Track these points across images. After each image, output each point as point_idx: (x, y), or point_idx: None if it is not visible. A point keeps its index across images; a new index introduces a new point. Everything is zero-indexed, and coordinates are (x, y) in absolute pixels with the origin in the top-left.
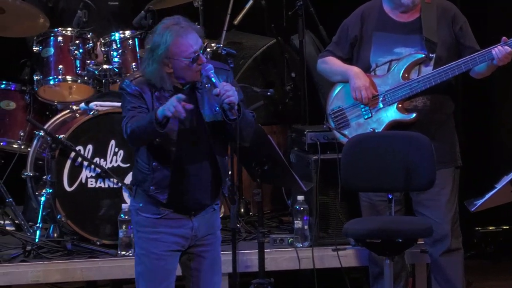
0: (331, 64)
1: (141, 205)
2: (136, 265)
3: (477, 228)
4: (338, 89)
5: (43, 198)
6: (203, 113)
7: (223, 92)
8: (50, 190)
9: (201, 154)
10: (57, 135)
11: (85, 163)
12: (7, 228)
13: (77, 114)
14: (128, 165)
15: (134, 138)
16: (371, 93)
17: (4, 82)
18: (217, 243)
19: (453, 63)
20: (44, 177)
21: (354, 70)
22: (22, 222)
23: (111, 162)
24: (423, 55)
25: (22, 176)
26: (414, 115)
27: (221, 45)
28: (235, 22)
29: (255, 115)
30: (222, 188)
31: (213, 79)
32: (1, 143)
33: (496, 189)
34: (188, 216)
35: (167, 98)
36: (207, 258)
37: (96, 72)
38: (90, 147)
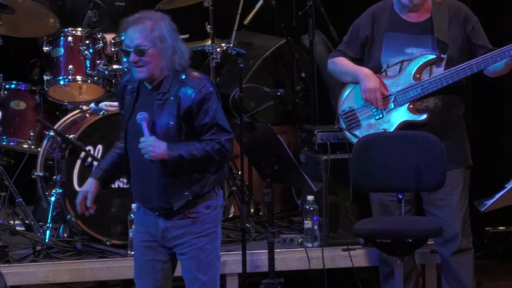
0: (342, 64)
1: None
2: None
3: (487, 228)
4: (349, 89)
5: (53, 198)
6: (156, 122)
7: (141, 149)
8: (60, 190)
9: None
10: (67, 135)
11: (95, 163)
12: (17, 228)
13: (87, 114)
14: None
15: None
16: (381, 95)
17: (14, 82)
18: (193, 252)
19: (465, 63)
20: (54, 177)
21: (365, 72)
22: (32, 222)
23: None
24: (435, 56)
25: (32, 176)
26: (425, 115)
27: (231, 45)
28: (245, 22)
29: (218, 145)
30: (170, 200)
31: (142, 128)
32: (11, 143)
33: (506, 189)
34: (154, 214)
35: (129, 94)
36: (185, 266)
37: (106, 72)
38: (100, 147)
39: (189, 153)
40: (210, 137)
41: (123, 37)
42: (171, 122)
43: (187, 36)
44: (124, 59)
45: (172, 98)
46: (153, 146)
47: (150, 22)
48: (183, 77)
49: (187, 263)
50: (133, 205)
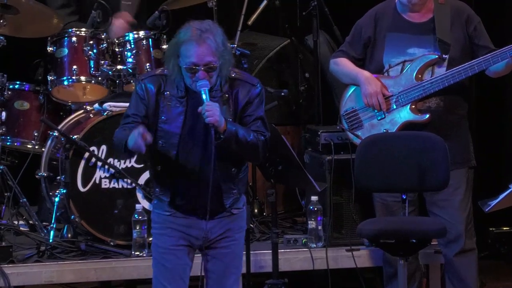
0: (343, 66)
1: (155, 202)
2: (152, 257)
3: (491, 229)
4: (351, 90)
5: (57, 199)
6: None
7: (203, 112)
8: (64, 191)
9: (202, 160)
10: (71, 136)
11: (99, 163)
12: (21, 228)
13: (91, 115)
14: (142, 165)
15: (115, 148)
16: (383, 99)
17: (18, 82)
18: (233, 246)
19: (467, 64)
20: (58, 177)
21: (365, 75)
22: (36, 223)
23: (125, 163)
24: (437, 56)
25: (36, 177)
26: (427, 116)
27: (235, 45)
28: (249, 23)
29: (263, 138)
30: (223, 198)
31: (203, 96)
32: (15, 143)
33: (510, 189)
34: (198, 217)
35: (174, 100)
36: (222, 260)
37: (110, 72)
38: (104, 147)
39: (243, 134)
40: (257, 128)
41: (128, 37)
42: (229, 118)
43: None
44: (184, 74)
45: (227, 95)
46: (216, 110)
47: (212, 36)
48: (234, 75)
49: (225, 258)
50: (138, 206)
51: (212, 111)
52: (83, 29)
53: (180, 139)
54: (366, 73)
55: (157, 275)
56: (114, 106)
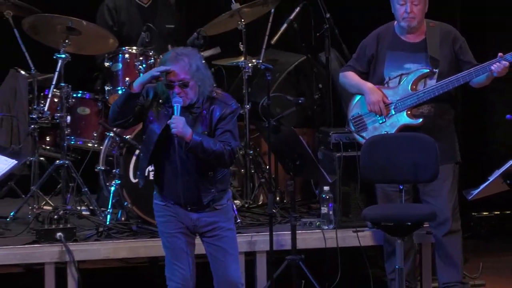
0: (350, 78)
1: (155, 193)
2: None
3: (473, 213)
4: (357, 99)
5: (112, 188)
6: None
7: (170, 124)
8: (119, 181)
9: (184, 162)
10: (124, 136)
11: None
12: (83, 213)
13: None
14: None
15: (111, 113)
16: (383, 106)
17: (80, 92)
18: (225, 233)
19: (453, 77)
20: (114, 170)
21: (368, 86)
22: (96, 208)
23: None
24: (428, 70)
25: (95, 170)
26: (421, 120)
27: (260, 61)
28: (272, 42)
29: (229, 147)
30: (201, 197)
31: (175, 110)
32: (78, 142)
33: (489, 181)
34: (185, 209)
35: (163, 107)
36: (218, 245)
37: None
38: None
39: (208, 144)
40: (225, 139)
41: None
42: (205, 132)
43: (218, 48)
44: (162, 89)
45: (205, 111)
46: (183, 124)
47: (187, 58)
48: (214, 95)
49: (219, 242)
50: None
51: (176, 123)
52: (134, 48)
53: (159, 139)
54: (369, 85)
55: (167, 255)
56: None
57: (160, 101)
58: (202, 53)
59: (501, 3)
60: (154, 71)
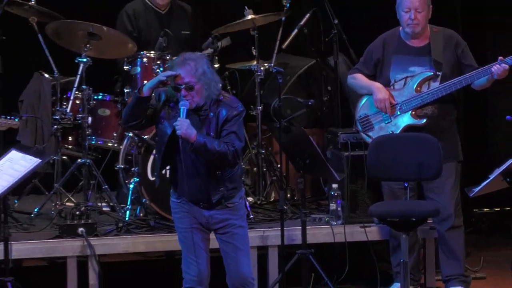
0: (359, 80)
1: (171, 190)
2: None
3: (474, 210)
4: (364, 100)
5: (131, 185)
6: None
7: (176, 125)
8: (137, 179)
9: (194, 162)
10: (142, 136)
11: None
12: (104, 209)
13: None
14: None
15: (123, 115)
16: (389, 104)
17: (101, 94)
18: (236, 230)
19: (456, 79)
20: (133, 169)
21: (377, 86)
22: (115, 204)
23: None
24: (432, 73)
25: (115, 168)
26: (424, 120)
27: (272, 64)
28: (283, 47)
29: (233, 148)
30: (210, 195)
31: (181, 112)
32: (99, 142)
33: (490, 179)
34: (198, 206)
35: (174, 110)
36: (229, 242)
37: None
38: None
39: (212, 145)
40: (229, 140)
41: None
42: (211, 133)
43: (228, 39)
44: (172, 92)
45: (212, 114)
46: (188, 126)
47: (193, 63)
48: (221, 98)
49: (230, 239)
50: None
51: (180, 125)
52: (152, 52)
53: (170, 139)
54: (377, 84)
55: (183, 250)
56: None
57: (171, 104)
58: (218, 44)
59: (501, 3)
60: (161, 76)
